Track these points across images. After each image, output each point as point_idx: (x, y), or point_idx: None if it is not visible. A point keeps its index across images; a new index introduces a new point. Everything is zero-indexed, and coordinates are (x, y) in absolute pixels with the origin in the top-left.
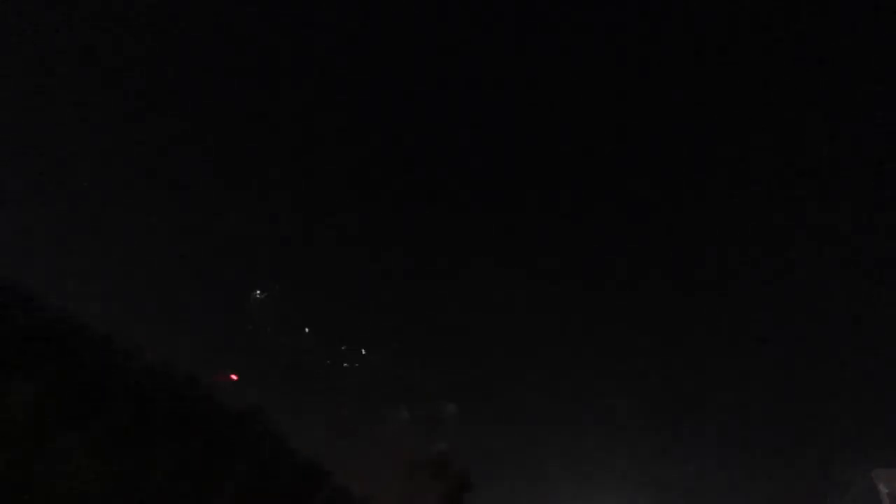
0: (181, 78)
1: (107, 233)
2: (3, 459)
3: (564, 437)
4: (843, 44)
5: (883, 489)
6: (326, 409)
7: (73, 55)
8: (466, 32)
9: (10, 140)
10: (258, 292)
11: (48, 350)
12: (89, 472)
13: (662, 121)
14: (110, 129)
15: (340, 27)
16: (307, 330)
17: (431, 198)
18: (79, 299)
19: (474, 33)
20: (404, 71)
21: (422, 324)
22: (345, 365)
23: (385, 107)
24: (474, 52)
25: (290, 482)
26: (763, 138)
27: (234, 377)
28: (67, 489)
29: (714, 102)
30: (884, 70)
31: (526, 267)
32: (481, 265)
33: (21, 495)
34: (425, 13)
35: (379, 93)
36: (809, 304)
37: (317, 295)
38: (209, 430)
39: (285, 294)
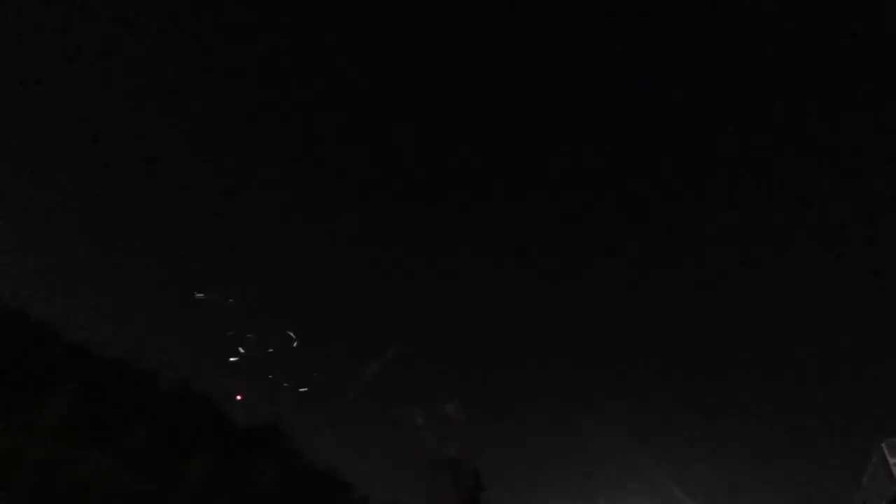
0: (181, 78)
1: (107, 237)
2: (33, 463)
3: (565, 436)
4: (844, 44)
5: (891, 460)
6: (338, 415)
7: (74, 54)
8: (466, 32)
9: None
10: (231, 299)
11: (73, 372)
12: (111, 482)
13: (662, 121)
14: (109, 132)
15: (340, 27)
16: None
17: (431, 198)
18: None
19: (474, 33)
20: (404, 71)
21: (421, 325)
22: (352, 369)
23: (385, 107)
24: (474, 52)
25: (310, 495)
26: (763, 138)
27: (239, 397)
28: (91, 495)
29: (714, 102)
30: (884, 70)
31: (526, 267)
32: (480, 265)
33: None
34: (425, 13)
35: (379, 93)
36: (809, 302)
37: (316, 296)
38: (227, 446)
39: (287, 298)
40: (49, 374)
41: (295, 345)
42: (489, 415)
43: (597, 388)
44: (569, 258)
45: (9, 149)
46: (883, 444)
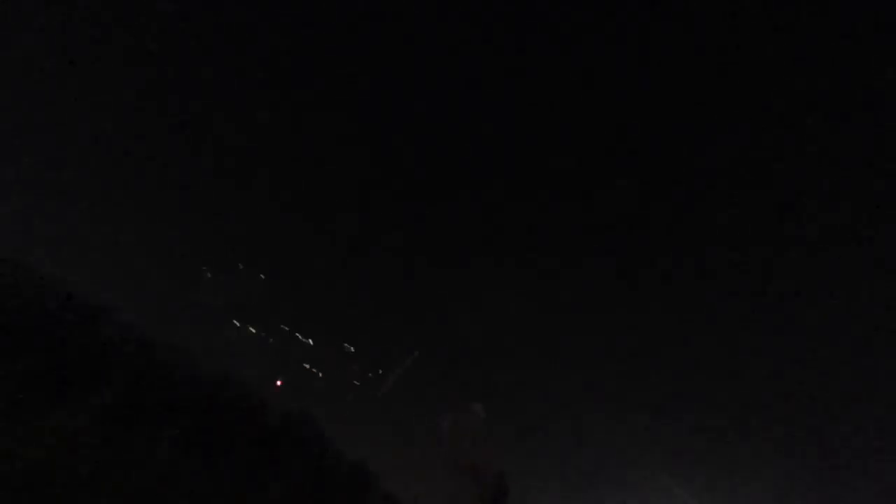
0: (181, 78)
1: (124, 234)
2: (72, 465)
3: (568, 437)
4: (844, 44)
5: None
6: (364, 415)
7: (75, 53)
8: (467, 32)
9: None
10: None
11: (115, 364)
12: (151, 475)
13: (663, 121)
14: (114, 133)
15: (340, 27)
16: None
17: (440, 198)
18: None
19: (474, 33)
20: (404, 71)
21: (426, 324)
22: (377, 373)
23: (385, 107)
24: (474, 52)
25: (338, 484)
26: (763, 138)
27: (279, 383)
28: (129, 492)
29: (714, 102)
30: (884, 70)
31: (531, 267)
32: (485, 266)
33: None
34: (425, 13)
35: (379, 93)
36: (809, 302)
37: (337, 298)
38: (259, 434)
39: (308, 299)
40: (62, 372)
41: (313, 343)
42: (498, 417)
43: (600, 388)
44: (576, 260)
45: (10, 149)
46: None
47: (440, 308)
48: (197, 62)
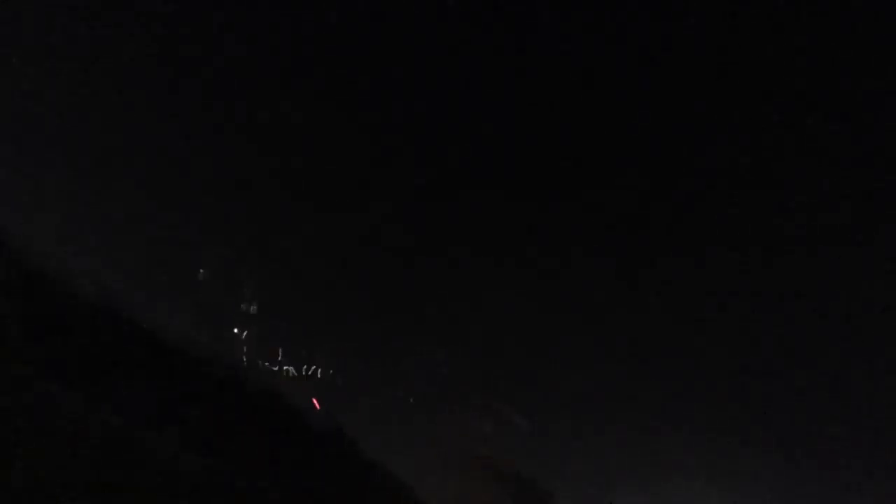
0: (181, 77)
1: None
2: (98, 458)
3: (571, 436)
4: (843, 44)
5: None
6: (386, 411)
7: (72, 51)
8: (467, 32)
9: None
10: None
11: (121, 362)
12: (178, 468)
13: (663, 121)
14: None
15: (340, 27)
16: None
17: (462, 199)
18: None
19: (474, 33)
20: (404, 70)
21: (427, 324)
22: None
23: (385, 106)
24: (474, 52)
25: (358, 482)
26: (763, 138)
27: (315, 403)
28: (157, 483)
29: (714, 102)
30: (884, 70)
31: (529, 267)
32: (483, 265)
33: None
34: (425, 13)
35: (379, 93)
36: (808, 303)
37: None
38: (268, 431)
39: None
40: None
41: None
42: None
43: (600, 388)
44: (576, 260)
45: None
46: None
47: (440, 308)
48: (197, 62)
